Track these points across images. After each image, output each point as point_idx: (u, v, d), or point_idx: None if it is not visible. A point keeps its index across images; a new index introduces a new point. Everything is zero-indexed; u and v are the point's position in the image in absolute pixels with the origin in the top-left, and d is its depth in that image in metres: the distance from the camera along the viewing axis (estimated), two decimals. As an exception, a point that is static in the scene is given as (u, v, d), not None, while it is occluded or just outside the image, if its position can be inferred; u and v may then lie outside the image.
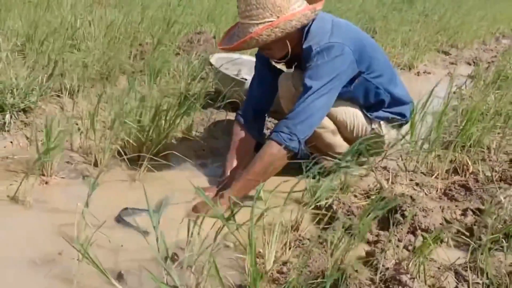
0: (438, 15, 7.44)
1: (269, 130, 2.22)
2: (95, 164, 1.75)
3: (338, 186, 1.63)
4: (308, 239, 1.35)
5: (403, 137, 1.90)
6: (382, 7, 7.39)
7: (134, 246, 1.30)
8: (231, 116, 2.29)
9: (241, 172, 1.60)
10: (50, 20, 3.15)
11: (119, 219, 1.41)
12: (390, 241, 1.30)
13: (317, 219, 1.44)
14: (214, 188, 1.66)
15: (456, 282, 1.20)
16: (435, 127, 2.01)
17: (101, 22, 3.30)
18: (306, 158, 1.55)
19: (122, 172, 1.76)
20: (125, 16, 3.61)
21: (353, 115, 1.77)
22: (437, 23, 6.55)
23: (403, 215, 1.43)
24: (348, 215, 1.47)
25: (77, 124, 1.99)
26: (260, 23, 1.53)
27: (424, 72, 4.27)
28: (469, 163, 1.94)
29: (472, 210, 1.58)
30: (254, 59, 2.86)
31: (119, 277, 1.17)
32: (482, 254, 1.27)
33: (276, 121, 2.34)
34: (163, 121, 1.89)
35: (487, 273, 1.20)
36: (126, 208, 1.46)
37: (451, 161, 1.98)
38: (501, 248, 1.31)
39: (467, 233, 1.39)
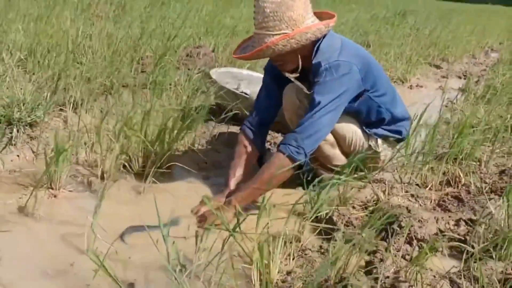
0: (429, 30, 7.63)
1: (268, 143, 2.29)
2: (101, 177, 1.80)
3: (337, 198, 1.70)
4: (310, 250, 1.41)
5: (398, 150, 1.98)
6: (375, 21, 7.57)
7: (141, 257, 1.35)
8: (232, 129, 2.36)
9: (248, 181, 1.66)
10: (52, 34, 3.22)
11: (122, 239, 1.45)
12: (389, 251, 1.36)
13: (318, 230, 1.50)
14: (219, 197, 1.70)
15: (451, 289, 1.27)
16: (428, 140, 2.10)
17: (101, 36, 3.38)
18: (309, 170, 1.61)
19: (128, 185, 1.81)
20: (125, 30, 3.69)
21: (352, 130, 1.84)
22: (428, 37, 6.72)
23: (400, 226, 1.49)
24: (348, 226, 1.54)
25: (82, 138, 2.05)
26: (276, 34, 1.60)
27: (416, 86, 4.38)
28: (461, 175, 2.02)
29: (464, 221, 1.66)
30: (252, 73, 2.97)
31: (130, 287, 1.22)
32: (475, 262, 1.33)
33: (275, 133, 2.43)
34: (167, 135, 1.95)
35: (480, 281, 1.26)
36: (130, 227, 1.49)
37: (444, 173, 2.06)
38: (492, 257, 1.38)
39: (461, 243, 1.46)
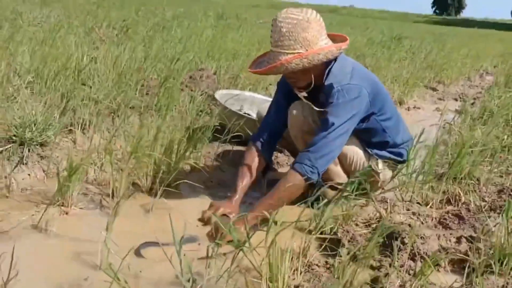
0: (424, 53, 7.80)
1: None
2: (111, 195, 1.84)
3: (340, 215, 1.75)
4: (317, 265, 1.45)
5: (398, 172, 2.04)
6: (371, 45, 7.74)
7: (152, 272, 1.38)
8: (236, 149, 2.42)
9: (263, 196, 1.73)
10: (58, 56, 3.31)
11: (138, 253, 1.49)
12: (394, 266, 1.41)
13: (323, 246, 1.55)
14: (227, 203, 1.77)
15: (454, 303, 1.30)
16: (428, 160, 2.16)
17: (106, 59, 3.46)
18: (319, 186, 1.67)
19: (136, 203, 1.85)
20: (129, 54, 3.78)
21: (354, 150, 1.91)
22: (423, 60, 6.87)
23: (403, 242, 1.54)
24: (352, 242, 1.58)
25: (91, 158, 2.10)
26: (290, 53, 1.69)
27: (414, 107, 4.46)
28: (461, 194, 2.08)
29: (465, 238, 1.70)
30: (255, 94, 3.05)
31: (143, 300, 1.25)
32: (476, 277, 1.37)
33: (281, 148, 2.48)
34: (174, 155, 2.01)
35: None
36: (145, 242, 1.53)
37: (444, 192, 2.11)
38: (493, 272, 1.42)
39: (463, 259, 1.51)
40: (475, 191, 2.15)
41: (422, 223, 1.87)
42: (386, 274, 1.36)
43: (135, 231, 1.61)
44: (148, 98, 2.93)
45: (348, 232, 1.63)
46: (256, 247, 1.29)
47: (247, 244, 1.28)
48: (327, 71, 1.79)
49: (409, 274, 1.42)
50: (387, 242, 1.56)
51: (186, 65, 3.80)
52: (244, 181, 1.83)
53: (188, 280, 1.18)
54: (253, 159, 1.90)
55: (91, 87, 2.79)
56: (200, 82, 3.41)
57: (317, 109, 1.82)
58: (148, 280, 1.34)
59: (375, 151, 1.95)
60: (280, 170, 2.41)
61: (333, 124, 1.71)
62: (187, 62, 3.89)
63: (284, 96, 1.97)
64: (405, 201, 2.02)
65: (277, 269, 1.25)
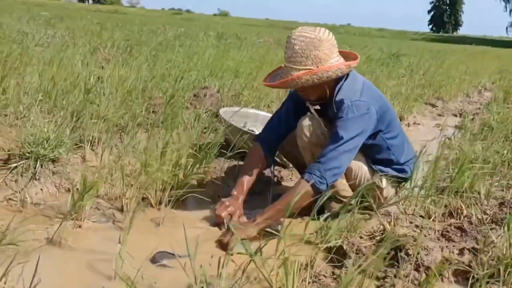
0: (423, 70, 7.92)
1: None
2: (122, 209, 1.90)
3: (345, 228, 1.79)
4: (324, 276, 1.49)
5: (400, 189, 2.10)
6: (370, 62, 7.86)
7: (165, 282, 1.43)
8: (241, 164, 2.47)
9: (272, 204, 1.80)
10: (66, 76, 3.39)
11: (154, 261, 1.53)
12: (399, 277, 1.45)
13: (330, 257, 1.59)
14: (232, 200, 1.90)
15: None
16: (429, 175, 2.21)
17: (113, 79, 3.55)
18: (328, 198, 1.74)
19: (146, 216, 1.90)
20: (135, 73, 3.87)
21: (359, 165, 1.97)
22: (422, 77, 6.98)
23: (407, 254, 1.58)
24: (357, 253, 1.62)
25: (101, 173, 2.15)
26: (302, 68, 1.78)
27: (414, 123, 4.53)
28: (463, 207, 2.12)
29: (468, 249, 1.74)
30: (258, 112, 3.12)
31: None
32: (480, 287, 1.41)
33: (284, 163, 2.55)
34: (182, 170, 2.07)
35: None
36: (159, 252, 1.58)
37: (445, 206, 2.16)
38: (496, 282, 1.46)
39: (466, 270, 1.55)
40: (476, 204, 2.19)
41: (425, 235, 1.90)
42: (392, 285, 1.40)
43: (147, 244, 1.65)
44: (155, 116, 3.01)
45: (353, 244, 1.68)
46: (267, 259, 1.34)
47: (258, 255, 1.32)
48: (338, 87, 1.88)
49: (414, 284, 1.46)
50: (391, 254, 1.60)
51: (190, 84, 3.89)
52: (249, 180, 1.95)
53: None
54: (258, 159, 2.01)
55: (98, 105, 2.87)
56: (204, 100, 3.49)
57: (321, 119, 1.90)
58: (162, 291, 1.38)
59: (379, 167, 2.01)
60: (284, 184, 2.46)
61: (342, 138, 1.78)
62: (191, 81, 3.98)
63: (294, 105, 2.05)
64: (408, 214, 2.07)
65: (288, 280, 1.29)
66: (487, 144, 2.92)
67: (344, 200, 1.84)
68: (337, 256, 1.60)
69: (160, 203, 1.98)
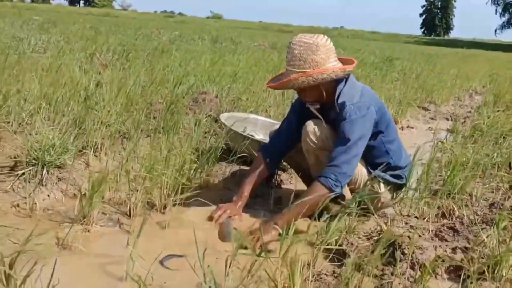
0: (416, 74, 8.05)
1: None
2: (128, 214, 1.96)
3: (344, 228, 1.87)
4: (325, 274, 1.57)
5: (397, 196, 2.19)
6: (364, 66, 7.98)
7: (175, 282, 1.50)
8: (242, 168, 2.55)
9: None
10: (66, 82, 3.44)
11: (161, 263, 1.60)
12: (396, 275, 1.53)
13: (330, 257, 1.67)
14: (233, 205, 2.04)
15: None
16: (423, 178, 2.30)
17: (112, 85, 3.60)
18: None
19: (152, 220, 1.96)
20: (133, 79, 3.93)
21: (358, 169, 2.06)
22: (415, 81, 7.10)
23: (403, 253, 1.66)
24: (356, 253, 1.70)
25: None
26: (300, 71, 1.90)
27: (407, 127, 4.64)
28: (455, 208, 2.21)
29: (460, 248, 1.83)
30: (257, 117, 3.20)
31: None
32: (471, 283, 1.50)
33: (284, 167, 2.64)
34: (185, 175, 2.14)
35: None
36: (167, 255, 1.65)
37: (438, 207, 2.25)
38: (486, 278, 1.55)
39: (458, 267, 1.63)
40: (468, 205, 2.28)
41: (419, 235, 1.99)
42: (389, 282, 1.48)
43: (153, 246, 1.71)
44: (155, 121, 3.07)
45: (352, 244, 1.76)
46: (269, 258, 1.41)
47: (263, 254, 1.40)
48: (338, 91, 1.98)
49: (410, 281, 1.54)
50: (388, 253, 1.68)
51: (189, 89, 3.96)
52: (249, 188, 2.07)
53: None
54: (259, 169, 2.12)
55: (98, 112, 2.92)
56: (203, 105, 3.56)
57: (324, 122, 2.01)
58: (171, 290, 1.45)
59: (377, 172, 2.09)
60: (284, 187, 2.54)
61: (349, 140, 1.89)
62: (190, 86, 4.06)
63: (296, 115, 2.16)
64: (403, 216, 2.16)
65: (294, 279, 1.37)
66: (478, 147, 3.02)
67: (343, 202, 1.92)
68: (337, 255, 1.68)
69: (165, 207, 2.05)
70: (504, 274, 1.57)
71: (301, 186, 2.34)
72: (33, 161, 2.12)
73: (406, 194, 2.20)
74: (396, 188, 2.18)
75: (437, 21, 73.26)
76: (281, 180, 2.56)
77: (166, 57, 6.43)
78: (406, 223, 2.08)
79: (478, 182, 2.57)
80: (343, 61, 2.02)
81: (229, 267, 1.41)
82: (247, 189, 2.08)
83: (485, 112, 4.81)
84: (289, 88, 2.04)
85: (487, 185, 2.54)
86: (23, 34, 7.99)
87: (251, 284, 1.42)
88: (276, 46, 11.90)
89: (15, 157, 2.20)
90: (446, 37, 67.90)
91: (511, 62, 16.27)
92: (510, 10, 55.96)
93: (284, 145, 2.17)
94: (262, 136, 2.98)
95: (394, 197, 2.19)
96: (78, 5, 78.97)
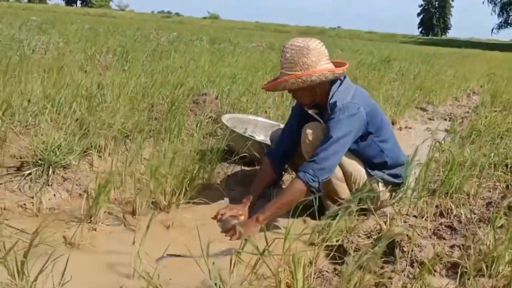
0: (413, 74, 8.11)
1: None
2: (133, 213, 2.00)
3: (344, 227, 1.92)
4: (327, 271, 1.61)
5: (395, 195, 2.24)
6: (362, 67, 8.03)
7: (181, 279, 1.54)
8: (244, 169, 2.60)
9: (268, 199, 2.01)
10: (69, 84, 3.48)
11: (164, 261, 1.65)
12: (395, 272, 1.57)
13: (331, 255, 1.71)
14: (241, 207, 2.10)
15: (450, 303, 1.47)
16: (421, 177, 2.35)
17: (114, 86, 3.64)
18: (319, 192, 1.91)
19: (156, 220, 2.00)
20: (134, 80, 3.97)
21: (357, 169, 2.11)
22: (413, 81, 7.16)
23: (402, 251, 1.71)
24: (357, 251, 1.75)
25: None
26: (291, 73, 1.97)
27: (406, 127, 4.69)
28: (453, 207, 2.26)
29: (458, 246, 1.87)
30: (258, 118, 3.24)
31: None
32: (468, 279, 1.55)
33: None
34: (188, 175, 2.18)
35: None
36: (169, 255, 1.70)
37: (437, 206, 2.30)
38: (483, 275, 1.59)
39: (456, 264, 1.68)
40: (465, 204, 2.33)
41: (418, 234, 2.04)
42: (389, 278, 1.52)
43: (159, 245, 1.75)
44: (157, 123, 3.11)
45: (352, 242, 1.80)
46: (272, 256, 1.45)
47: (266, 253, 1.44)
48: (332, 92, 2.03)
49: (409, 278, 1.58)
50: (388, 251, 1.73)
51: (190, 91, 4.00)
52: (257, 190, 2.18)
53: (216, 285, 1.34)
54: (266, 172, 2.22)
55: (101, 113, 2.96)
56: (204, 106, 3.60)
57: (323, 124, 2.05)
58: (178, 285, 1.50)
59: (375, 172, 2.14)
60: (284, 186, 2.58)
61: (331, 137, 1.95)
62: (190, 88, 4.09)
63: (297, 118, 2.21)
64: (402, 215, 2.20)
65: (296, 276, 1.41)
66: (475, 147, 3.07)
67: (343, 202, 1.96)
68: (338, 253, 1.73)
69: (169, 206, 2.09)
70: (500, 271, 1.61)
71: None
72: (39, 161, 2.16)
73: (405, 194, 2.25)
74: (394, 187, 2.22)
75: (434, 20, 73.48)
76: (282, 180, 2.60)
77: (165, 58, 6.46)
78: (405, 222, 2.13)
79: (475, 181, 2.62)
80: (336, 64, 2.07)
81: (234, 264, 1.45)
82: (254, 192, 2.16)
83: (482, 112, 4.86)
84: (281, 89, 2.11)
85: (484, 185, 2.59)
86: (22, 35, 8.00)
87: (255, 281, 1.46)
88: (274, 47, 11.94)
89: (21, 158, 2.24)
90: (443, 36, 68.09)
91: (508, 61, 16.35)
92: (508, 9, 56.15)
93: (288, 148, 2.23)
94: (262, 137, 3.02)
95: (392, 196, 2.23)
96: (75, 5, 78.90)
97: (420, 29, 75.00)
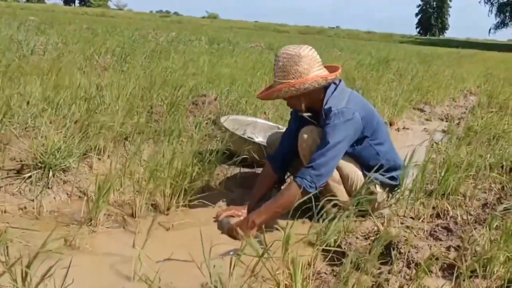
0: (411, 75, 8.14)
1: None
2: (133, 215, 2.02)
3: (342, 229, 1.94)
4: (325, 273, 1.63)
5: (393, 196, 2.27)
6: (360, 67, 8.05)
7: (181, 282, 1.56)
8: (243, 171, 2.62)
9: (267, 201, 2.02)
10: (68, 85, 3.49)
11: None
12: (392, 273, 1.60)
13: (329, 256, 1.74)
14: (241, 208, 2.14)
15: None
16: (418, 179, 2.37)
17: (113, 87, 3.65)
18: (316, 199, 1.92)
19: (156, 222, 2.02)
20: (133, 82, 3.98)
21: (354, 172, 2.14)
22: (410, 82, 7.19)
23: (399, 252, 1.73)
24: (354, 252, 1.77)
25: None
26: (285, 82, 1.99)
27: (403, 128, 4.71)
28: (449, 208, 2.29)
29: (454, 247, 1.90)
30: (257, 120, 3.26)
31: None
32: (464, 280, 1.57)
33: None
34: (188, 177, 2.20)
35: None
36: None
37: (433, 207, 2.32)
38: (478, 276, 1.62)
39: (451, 265, 1.70)
40: (461, 206, 2.36)
41: (415, 235, 2.06)
42: (386, 279, 1.55)
43: (159, 247, 1.78)
44: (157, 124, 3.13)
45: (350, 244, 1.83)
46: (272, 258, 1.48)
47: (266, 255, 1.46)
48: (327, 98, 2.06)
49: (406, 279, 1.61)
50: (385, 252, 1.75)
51: (189, 92, 4.01)
52: (258, 193, 2.23)
53: (216, 287, 1.36)
54: (267, 176, 2.26)
55: (100, 115, 2.98)
56: (203, 107, 3.62)
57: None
58: (178, 289, 1.52)
59: (373, 174, 2.16)
60: (283, 188, 2.61)
61: (328, 143, 1.97)
62: (189, 89, 4.11)
63: (295, 123, 2.24)
64: (399, 216, 2.23)
65: (296, 278, 1.43)
66: (472, 148, 3.10)
67: (341, 204, 1.99)
68: (336, 255, 1.75)
69: (168, 209, 2.11)
70: (495, 271, 1.64)
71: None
72: (39, 164, 2.18)
73: (402, 195, 2.27)
74: (390, 189, 2.25)
75: (432, 20, 73.60)
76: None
77: (164, 58, 6.47)
78: (402, 223, 2.15)
79: (471, 183, 2.64)
80: (329, 69, 2.10)
81: (234, 267, 1.47)
82: (256, 194, 2.22)
83: (478, 113, 4.89)
84: (275, 98, 2.14)
85: (480, 186, 2.61)
86: (20, 35, 8.00)
87: (255, 283, 1.49)
88: (272, 47, 11.96)
89: (21, 161, 2.25)
90: (441, 36, 68.19)
91: (505, 62, 16.41)
92: (505, 10, 56.27)
93: (288, 152, 2.25)
94: (261, 138, 3.04)
95: (389, 197, 2.26)
96: (73, 4, 78.79)
97: (418, 29, 75.10)
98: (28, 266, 1.22)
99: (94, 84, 3.74)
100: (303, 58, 1.99)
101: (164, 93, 3.82)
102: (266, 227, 1.90)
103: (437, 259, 1.73)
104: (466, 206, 2.38)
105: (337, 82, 2.11)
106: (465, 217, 2.23)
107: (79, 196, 2.20)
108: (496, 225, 1.98)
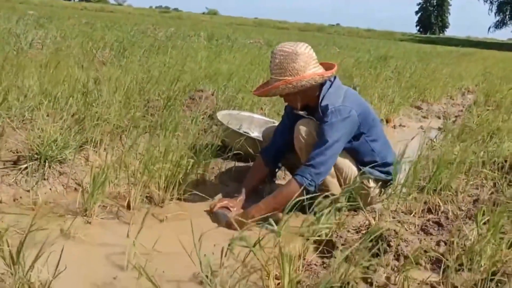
0: (409, 73, 8.16)
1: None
2: (127, 207, 2.05)
3: (334, 222, 1.97)
4: (315, 264, 1.66)
5: (385, 192, 2.30)
6: (358, 65, 8.07)
7: (173, 271, 1.59)
8: (238, 165, 2.64)
9: (267, 198, 2.04)
10: (65, 79, 3.51)
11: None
12: (381, 266, 1.62)
13: (320, 249, 1.76)
14: (232, 201, 2.15)
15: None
16: (411, 174, 2.40)
17: (110, 81, 3.67)
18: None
19: (150, 213, 2.05)
20: (130, 76, 4.00)
21: (349, 166, 2.17)
22: (408, 80, 7.21)
23: (389, 245, 1.76)
24: (345, 245, 1.80)
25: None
26: (281, 79, 2.01)
27: (400, 125, 4.74)
28: (440, 203, 2.32)
29: (444, 242, 1.93)
30: (253, 115, 3.28)
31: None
32: (451, 273, 1.60)
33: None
34: (183, 170, 2.22)
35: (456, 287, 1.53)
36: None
37: (425, 202, 2.35)
38: (464, 269, 1.65)
39: (441, 259, 1.73)
40: (453, 201, 2.39)
41: (406, 229, 2.09)
42: (374, 271, 1.58)
43: (152, 238, 1.80)
44: (153, 118, 3.15)
45: (341, 237, 1.85)
46: (263, 249, 1.50)
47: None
48: (322, 95, 2.08)
49: (394, 271, 1.63)
50: (375, 245, 1.78)
51: (186, 87, 4.03)
52: (249, 185, 2.25)
53: (207, 276, 1.39)
54: (259, 169, 2.28)
55: (97, 108, 2.99)
56: (200, 102, 3.64)
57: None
58: (170, 277, 1.55)
59: (367, 169, 2.19)
60: (278, 182, 2.64)
61: (327, 141, 2.00)
62: (186, 84, 4.13)
63: (289, 117, 2.27)
64: (391, 211, 2.25)
65: (283, 268, 1.46)
66: (466, 145, 3.13)
67: (334, 197, 2.01)
68: (327, 247, 1.77)
69: (163, 201, 2.13)
70: (482, 265, 1.67)
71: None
72: (36, 155, 2.20)
73: (395, 190, 2.30)
74: (383, 184, 2.28)
75: (432, 19, 73.52)
76: (275, 176, 2.65)
77: (162, 53, 6.48)
78: (394, 218, 2.17)
79: (463, 179, 2.67)
80: (325, 66, 2.12)
81: (225, 256, 1.49)
82: (247, 186, 2.23)
83: (475, 111, 4.92)
84: (272, 95, 2.17)
85: (472, 182, 2.64)
86: (19, 29, 7.99)
87: (245, 273, 1.51)
88: (271, 44, 11.96)
89: (17, 152, 2.27)
90: (441, 35, 68.16)
91: (504, 61, 16.44)
92: (505, 9, 56.25)
93: (281, 144, 2.28)
94: (257, 133, 3.06)
95: (382, 192, 2.29)
96: (73, -1, 78.47)
97: (418, 28, 75.05)
98: (19, 250, 1.24)
99: (91, 78, 3.76)
100: (300, 55, 2.01)
101: (161, 87, 3.83)
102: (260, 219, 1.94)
103: (425, 251, 1.76)
104: (457, 201, 2.41)
105: (332, 79, 2.13)
106: (456, 212, 2.25)
107: (75, 188, 2.22)
108: (485, 220, 2.00)
